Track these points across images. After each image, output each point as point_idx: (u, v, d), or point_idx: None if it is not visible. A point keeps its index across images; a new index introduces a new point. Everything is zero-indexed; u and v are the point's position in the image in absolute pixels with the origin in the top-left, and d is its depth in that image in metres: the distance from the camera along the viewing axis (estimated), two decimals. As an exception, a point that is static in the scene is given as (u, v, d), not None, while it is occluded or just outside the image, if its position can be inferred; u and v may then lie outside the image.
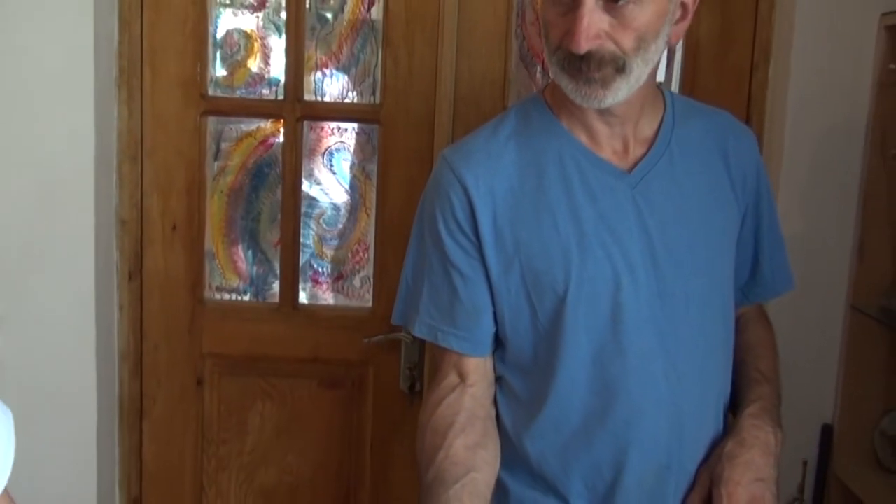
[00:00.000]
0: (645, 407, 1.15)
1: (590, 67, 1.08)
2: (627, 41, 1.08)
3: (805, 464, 1.75)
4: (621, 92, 1.10)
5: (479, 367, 1.22)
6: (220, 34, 1.85)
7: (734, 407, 1.27)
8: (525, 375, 1.21)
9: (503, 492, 1.23)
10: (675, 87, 1.85)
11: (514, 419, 1.22)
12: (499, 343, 1.23)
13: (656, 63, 1.14)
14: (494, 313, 1.20)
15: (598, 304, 1.15)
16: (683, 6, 1.14)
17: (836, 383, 1.74)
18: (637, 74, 1.10)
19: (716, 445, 1.21)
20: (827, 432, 1.75)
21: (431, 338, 1.23)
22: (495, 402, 1.24)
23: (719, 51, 1.79)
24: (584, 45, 1.05)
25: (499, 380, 1.24)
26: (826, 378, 1.75)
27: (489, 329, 1.21)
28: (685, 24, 1.16)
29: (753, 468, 1.15)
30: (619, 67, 1.09)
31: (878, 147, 1.65)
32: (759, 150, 1.34)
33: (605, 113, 1.15)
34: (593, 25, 1.05)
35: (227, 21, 1.86)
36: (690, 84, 1.81)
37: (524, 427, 1.20)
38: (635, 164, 1.19)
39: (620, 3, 1.05)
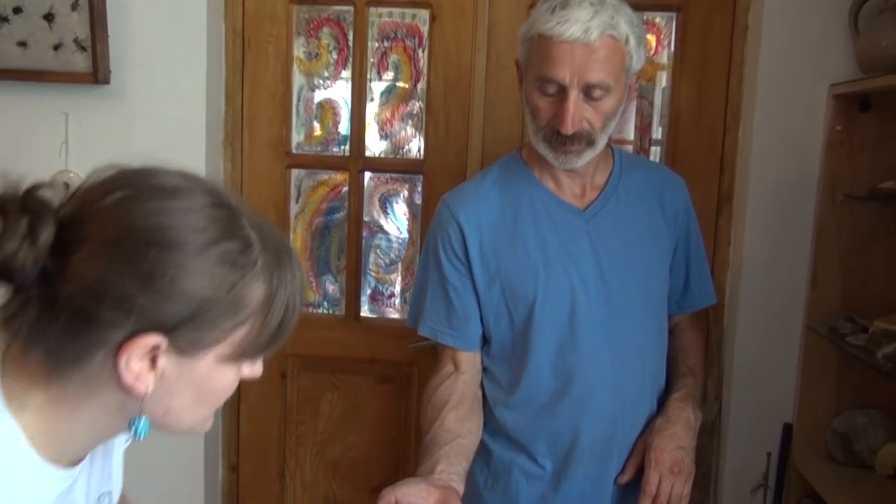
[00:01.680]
0: (595, 388, 1.26)
1: (571, 143, 1.21)
2: (598, 123, 1.21)
3: (769, 455, 1.78)
4: (587, 158, 1.24)
5: (469, 359, 1.33)
6: (301, 105, 1.96)
7: (668, 394, 1.36)
8: (504, 364, 1.32)
9: (487, 453, 1.34)
10: (660, 145, 1.90)
11: (495, 397, 1.33)
12: (485, 341, 1.34)
13: (610, 133, 1.27)
14: (481, 318, 1.31)
15: (559, 310, 1.27)
16: (630, 87, 1.28)
17: (795, 390, 1.75)
18: (601, 145, 1.24)
19: (650, 422, 1.32)
20: (787, 430, 1.76)
21: (433, 336, 1.33)
22: (482, 386, 1.35)
23: (697, 116, 1.83)
24: (570, 128, 1.18)
25: (485, 369, 1.35)
26: (787, 385, 1.76)
27: (477, 330, 1.32)
28: (630, 100, 1.28)
29: (676, 439, 1.26)
30: (590, 142, 1.22)
31: (829, 194, 1.67)
32: (690, 197, 1.43)
33: (569, 170, 1.27)
34: (577, 113, 1.18)
35: (307, 95, 1.96)
36: (673, 143, 1.85)
37: (503, 403, 1.31)
38: (589, 205, 1.31)
39: (596, 96, 1.18)
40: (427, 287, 1.33)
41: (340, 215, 1.99)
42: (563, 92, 1.18)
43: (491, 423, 1.34)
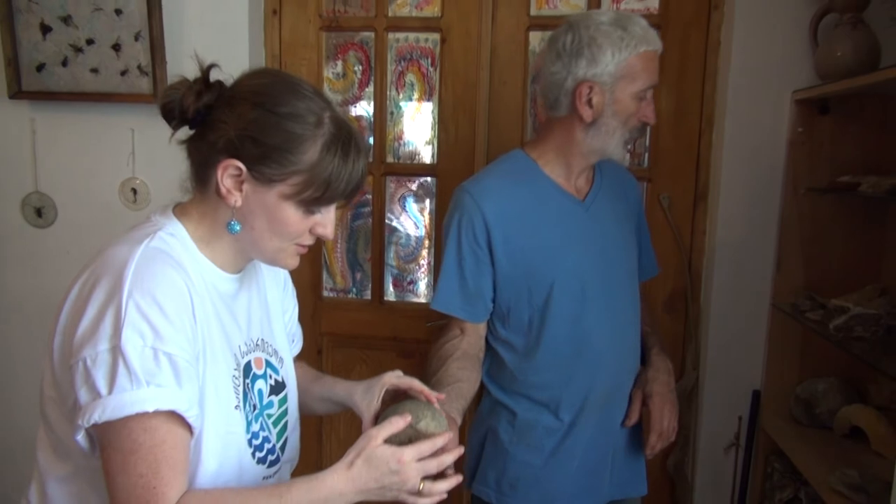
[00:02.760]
0: (603, 350, 1.35)
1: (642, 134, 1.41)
2: None
3: (740, 419, 1.82)
4: None
5: (474, 329, 1.37)
6: None
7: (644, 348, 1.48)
8: (522, 334, 1.36)
9: (511, 414, 1.38)
10: (644, 149, 1.92)
11: (516, 364, 1.36)
12: (503, 316, 1.36)
13: None
14: (495, 296, 1.34)
15: (573, 286, 1.33)
16: None
17: (763, 360, 1.79)
18: None
19: (637, 374, 1.45)
20: (756, 396, 1.80)
21: (445, 310, 1.35)
22: (499, 355, 1.38)
23: (675, 121, 1.86)
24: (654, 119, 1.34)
25: (504, 341, 1.37)
26: (755, 356, 1.80)
27: (486, 306, 1.35)
28: None
29: (666, 384, 1.40)
30: None
31: (792, 187, 1.71)
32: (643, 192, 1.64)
33: (590, 164, 1.37)
34: None
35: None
36: (655, 146, 1.88)
37: (526, 368, 1.35)
38: (585, 196, 1.39)
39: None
40: (443, 268, 1.36)
41: (365, 213, 2.06)
42: (649, 94, 1.31)
43: (513, 386, 1.37)
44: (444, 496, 0.93)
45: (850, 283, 1.65)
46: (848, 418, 1.60)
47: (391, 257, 2.08)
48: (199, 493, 0.84)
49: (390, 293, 2.09)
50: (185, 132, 0.94)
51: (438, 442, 0.92)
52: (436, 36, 1.95)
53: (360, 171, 0.91)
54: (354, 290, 2.11)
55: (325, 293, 2.11)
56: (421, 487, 0.90)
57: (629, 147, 1.36)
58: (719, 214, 1.79)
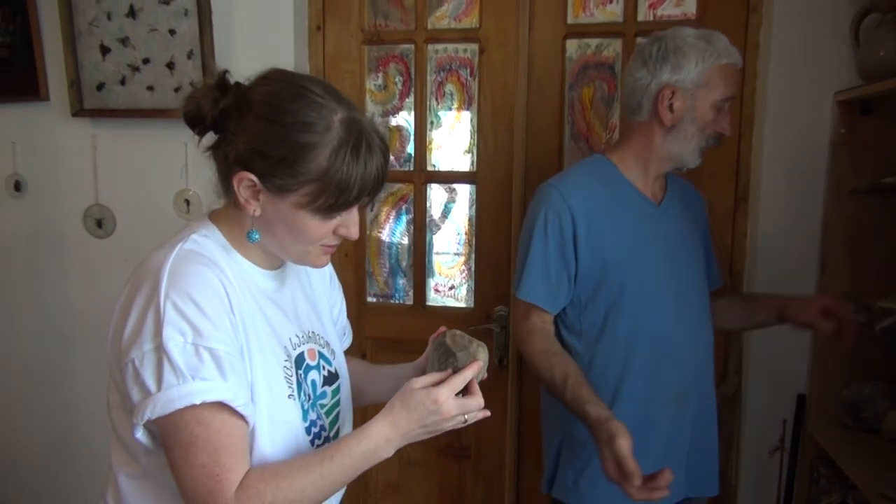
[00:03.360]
0: (675, 345, 1.39)
1: (718, 144, 1.43)
2: None
3: (784, 422, 1.80)
4: None
5: (550, 319, 1.43)
6: None
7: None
8: (597, 328, 1.40)
9: None
10: None
11: (590, 357, 1.40)
12: (580, 308, 1.41)
13: None
14: (576, 286, 1.40)
15: (646, 282, 1.39)
16: None
17: (808, 364, 1.76)
18: None
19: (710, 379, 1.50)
20: (801, 400, 1.78)
21: (530, 299, 1.40)
22: (573, 350, 1.42)
23: None
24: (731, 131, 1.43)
25: (578, 334, 1.42)
26: (801, 360, 1.78)
27: (565, 297, 1.41)
28: None
29: None
30: None
31: (835, 189, 1.68)
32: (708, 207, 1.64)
33: (665, 170, 1.44)
34: None
35: (377, 121, 2.04)
36: None
37: (598, 361, 1.39)
38: (661, 202, 1.45)
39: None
40: (529, 259, 1.40)
41: (407, 220, 2.10)
42: (726, 105, 1.37)
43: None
44: (488, 413, 0.97)
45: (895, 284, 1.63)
46: (896, 422, 1.57)
47: (433, 263, 2.11)
48: (257, 469, 0.87)
49: (432, 298, 2.12)
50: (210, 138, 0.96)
51: (468, 375, 0.94)
52: (474, 46, 1.98)
53: (374, 169, 0.89)
54: (397, 295, 2.15)
55: (369, 298, 2.15)
56: (465, 419, 0.93)
57: (702, 155, 1.41)
58: (760, 217, 1.78)
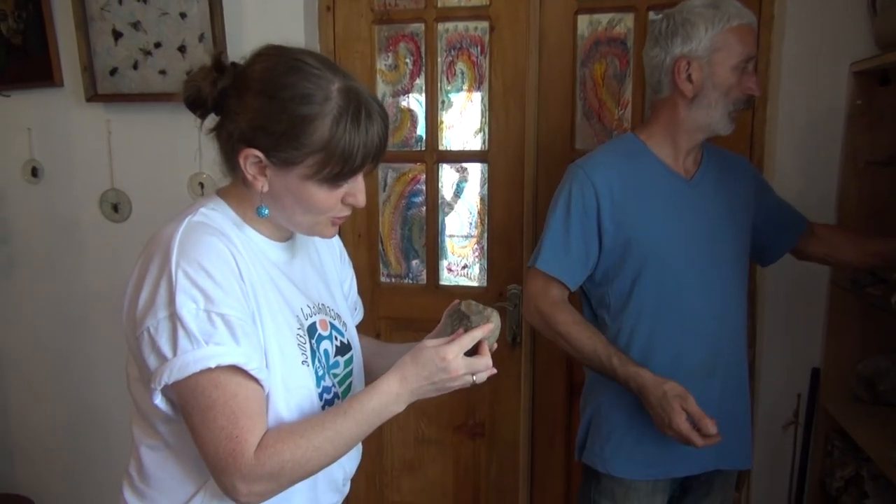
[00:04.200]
0: (700, 318, 1.39)
1: (745, 108, 1.40)
2: None
3: (799, 396, 1.80)
4: None
5: (567, 294, 1.45)
6: None
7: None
8: (623, 300, 1.42)
9: (611, 381, 1.41)
10: None
11: (616, 329, 1.43)
12: (608, 281, 1.43)
13: None
14: (600, 261, 1.42)
15: (673, 256, 1.39)
16: None
17: (822, 337, 1.76)
18: None
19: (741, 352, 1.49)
20: (815, 373, 1.78)
21: (548, 269, 1.42)
22: (601, 322, 1.46)
23: None
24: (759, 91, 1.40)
25: (607, 307, 1.44)
26: (815, 334, 1.77)
27: (583, 274, 1.44)
28: None
29: None
30: None
31: (851, 161, 1.67)
32: (755, 167, 1.64)
33: (697, 142, 1.42)
34: None
35: (389, 100, 2.07)
36: None
37: (623, 332, 1.41)
38: (692, 176, 1.45)
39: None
40: (549, 233, 1.44)
41: (420, 200, 2.11)
42: (749, 65, 1.35)
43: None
44: (494, 370, 0.98)
45: (914, 257, 1.61)
46: (913, 395, 1.56)
47: (445, 242, 2.12)
48: (274, 430, 0.90)
49: (445, 278, 2.13)
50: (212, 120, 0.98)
51: (477, 335, 0.95)
52: (485, 24, 1.97)
53: (376, 136, 0.90)
54: (410, 274, 2.16)
55: (382, 279, 2.16)
56: (474, 379, 0.95)
57: (733, 121, 1.39)
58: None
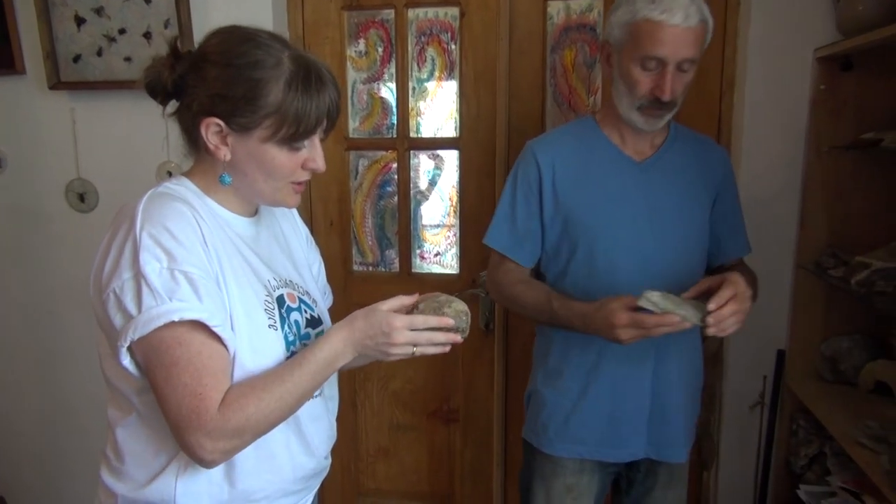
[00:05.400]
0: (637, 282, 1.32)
1: (658, 109, 1.32)
2: (680, 91, 1.32)
3: (765, 378, 1.83)
4: (665, 120, 1.37)
5: (524, 271, 1.47)
6: (355, 96, 2.06)
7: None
8: (559, 278, 1.44)
9: (545, 359, 1.49)
10: None
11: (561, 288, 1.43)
12: (549, 260, 1.45)
13: None
14: (544, 239, 1.43)
15: (604, 238, 1.38)
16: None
17: (788, 320, 1.79)
18: (676, 109, 1.36)
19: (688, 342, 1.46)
20: (781, 355, 1.81)
21: (493, 244, 1.47)
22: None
23: (697, 84, 1.70)
24: (670, 96, 1.30)
25: (549, 283, 1.46)
26: (780, 316, 1.80)
27: (533, 249, 1.45)
28: None
29: (745, 281, 1.25)
30: (672, 107, 1.34)
31: (815, 146, 1.69)
32: (729, 161, 1.53)
33: (642, 131, 1.38)
34: (674, 83, 1.30)
35: (359, 87, 2.06)
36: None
37: (588, 292, 1.37)
38: (645, 160, 1.42)
39: (685, 69, 1.30)
40: (498, 210, 1.47)
41: (392, 187, 2.10)
42: (662, 66, 1.28)
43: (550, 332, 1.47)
44: (444, 349, 1.01)
45: (876, 239, 1.64)
46: (872, 373, 1.60)
47: (418, 230, 2.11)
48: (236, 386, 0.91)
49: (418, 265, 2.13)
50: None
51: (431, 321, 0.97)
52: (455, 10, 1.95)
53: (327, 101, 0.96)
54: (382, 262, 2.16)
55: (355, 267, 2.16)
56: (414, 350, 0.97)
57: (646, 117, 1.33)
58: (741, 175, 1.76)
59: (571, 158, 1.41)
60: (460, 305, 1.02)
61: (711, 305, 1.18)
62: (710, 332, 1.20)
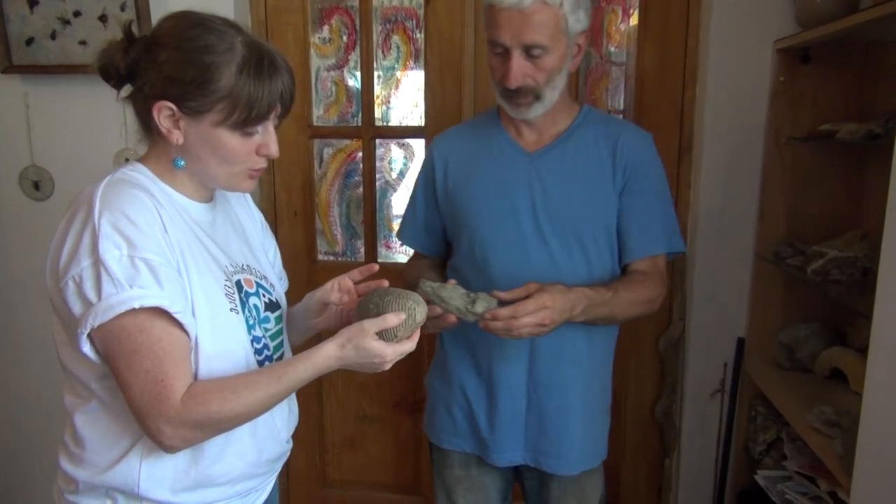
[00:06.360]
0: (513, 275, 1.29)
1: (518, 96, 1.27)
2: (541, 78, 1.25)
3: (725, 365, 1.86)
4: (538, 110, 1.29)
5: (422, 258, 1.51)
6: (318, 83, 2.04)
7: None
8: (453, 270, 1.42)
9: (438, 350, 1.50)
10: (629, 105, 1.92)
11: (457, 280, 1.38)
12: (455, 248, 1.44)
13: (563, 87, 1.30)
14: (445, 231, 1.45)
15: (484, 228, 1.34)
16: (578, 46, 1.29)
17: (747, 308, 1.81)
18: (549, 98, 1.28)
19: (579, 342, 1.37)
20: (741, 343, 1.83)
21: (399, 238, 1.53)
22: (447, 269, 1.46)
23: (659, 76, 1.85)
24: (513, 83, 1.24)
25: (456, 269, 1.42)
26: (740, 305, 1.82)
27: (435, 240, 1.48)
28: (580, 57, 1.31)
29: (563, 302, 1.19)
30: (536, 96, 1.27)
31: (774, 137, 1.70)
32: (647, 147, 1.38)
33: (524, 119, 1.33)
34: (519, 70, 1.24)
35: (323, 74, 2.04)
36: (640, 101, 1.88)
37: (470, 284, 1.31)
38: (537, 150, 1.35)
39: (535, 55, 1.22)
40: (407, 205, 1.51)
41: (356, 176, 2.07)
42: (507, 52, 1.23)
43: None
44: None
45: (833, 229, 1.68)
46: (828, 361, 1.63)
47: (383, 219, 2.09)
48: (205, 381, 0.92)
49: (384, 255, 2.11)
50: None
51: (405, 345, 1.01)
52: (419, -3, 1.93)
53: (280, 87, 0.96)
54: (349, 252, 2.13)
55: (320, 256, 2.13)
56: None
57: (511, 105, 1.27)
58: (703, 167, 1.79)
59: (465, 151, 1.39)
60: (416, 296, 1.05)
61: (503, 312, 1.15)
62: (492, 330, 1.17)
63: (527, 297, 1.17)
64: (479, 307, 1.16)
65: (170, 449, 0.91)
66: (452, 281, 1.20)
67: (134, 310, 0.86)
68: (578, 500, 1.42)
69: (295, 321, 1.21)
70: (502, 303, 1.18)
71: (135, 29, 0.98)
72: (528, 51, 1.22)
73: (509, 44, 1.22)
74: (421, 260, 1.51)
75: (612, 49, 1.94)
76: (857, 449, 1.19)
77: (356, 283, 1.18)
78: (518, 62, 1.23)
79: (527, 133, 1.37)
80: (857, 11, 1.50)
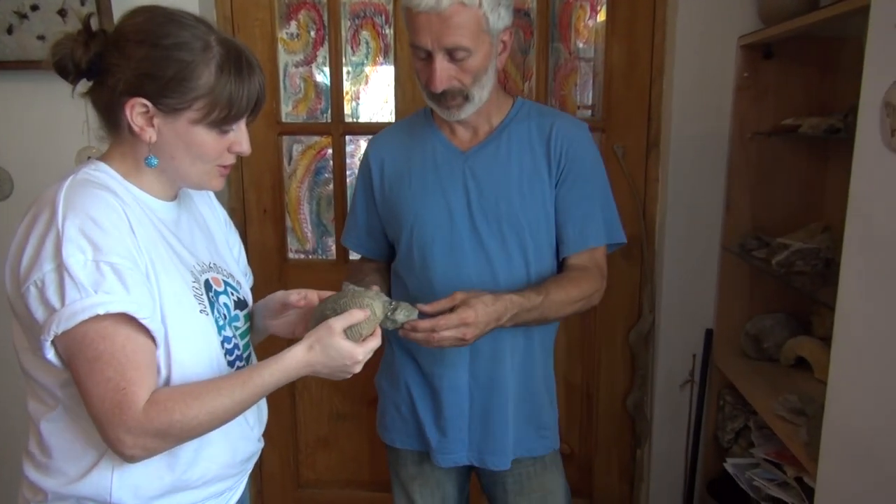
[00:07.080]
0: (443, 294, 1.21)
1: (447, 99, 1.23)
2: (467, 79, 1.21)
3: (694, 356, 1.89)
4: (469, 111, 1.26)
5: (369, 262, 1.47)
6: (287, 80, 2.01)
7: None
8: (404, 260, 1.36)
9: (387, 351, 1.45)
10: (597, 100, 1.94)
11: (398, 284, 1.39)
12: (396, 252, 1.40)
13: (492, 85, 1.26)
14: (385, 234, 1.41)
15: (420, 229, 1.31)
16: (503, 42, 1.25)
17: (715, 300, 1.84)
18: (479, 98, 1.25)
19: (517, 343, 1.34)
20: (709, 335, 1.86)
21: (344, 243, 1.49)
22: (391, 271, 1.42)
23: (627, 72, 1.87)
24: (439, 87, 1.21)
25: (398, 275, 1.39)
26: (708, 297, 1.85)
27: (378, 243, 1.44)
28: (507, 53, 1.27)
29: (488, 314, 1.16)
30: (465, 97, 1.23)
31: (739, 132, 1.74)
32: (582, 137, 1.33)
33: (457, 121, 1.29)
34: (444, 73, 1.19)
35: (291, 70, 2.01)
36: (608, 97, 1.89)
37: (409, 286, 1.35)
38: (471, 148, 1.32)
39: (459, 57, 1.19)
40: (349, 209, 1.48)
41: (326, 173, 2.05)
42: (430, 56, 1.19)
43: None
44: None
45: (796, 221, 1.72)
46: (793, 350, 1.67)
47: (354, 217, 2.08)
48: (168, 388, 0.90)
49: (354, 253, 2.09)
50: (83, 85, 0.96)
51: (372, 343, 1.00)
52: (388, -8, 1.92)
53: (257, 85, 0.96)
54: (320, 250, 2.11)
55: (291, 255, 2.11)
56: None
57: (440, 107, 1.25)
58: (671, 161, 1.81)
59: (399, 153, 1.36)
60: (370, 292, 1.05)
61: (423, 324, 1.12)
62: (412, 339, 1.15)
63: (451, 309, 1.14)
64: (400, 316, 1.10)
65: (131, 459, 0.88)
66: (375, 287, 1.13)
67: (98, 316, 0.83)
68: (541, 495, 1.40)
69: (252, 319, 1.18)
70: (424, 315, 1.14)
71: (93, 23, 0.94)
72: (451, 53, 1.18)
73: (431, 48, 1.18)
74: (366, 263, 1.46)
75: (581, 45, 1.95)
76: (822, 435, 1.22)
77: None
78: (442, 65, 1.19)
79: (460, 132, 1.33)
80: (817, 9, 1.53)
